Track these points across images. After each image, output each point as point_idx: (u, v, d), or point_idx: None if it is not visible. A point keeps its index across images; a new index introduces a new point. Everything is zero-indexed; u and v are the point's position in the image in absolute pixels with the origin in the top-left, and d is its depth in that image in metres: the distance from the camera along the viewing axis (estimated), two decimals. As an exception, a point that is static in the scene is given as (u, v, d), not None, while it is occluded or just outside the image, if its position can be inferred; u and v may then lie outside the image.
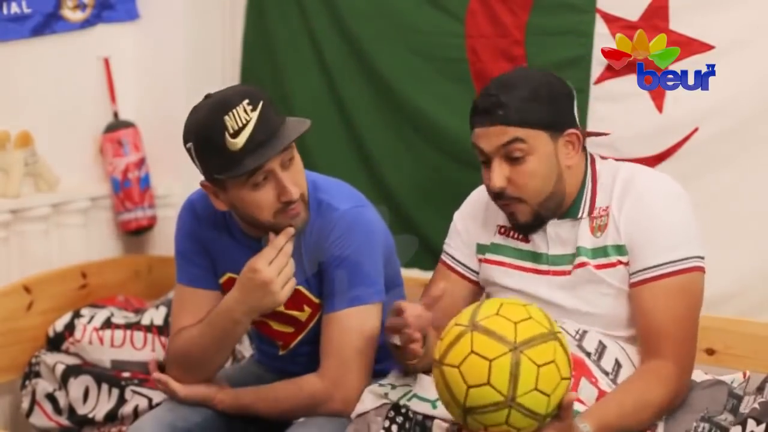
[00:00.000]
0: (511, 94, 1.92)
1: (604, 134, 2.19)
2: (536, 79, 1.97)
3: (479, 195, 2.16)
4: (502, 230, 2.09)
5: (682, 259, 1.91)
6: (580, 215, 1.99)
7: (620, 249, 1.95)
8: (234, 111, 1.92)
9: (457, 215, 2.19)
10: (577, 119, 2.01)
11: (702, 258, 1.93)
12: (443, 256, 2.19)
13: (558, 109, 1.96)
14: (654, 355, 1.88)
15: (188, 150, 1.99)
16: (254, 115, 1.92)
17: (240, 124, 1.91)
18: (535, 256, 2.04)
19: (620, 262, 1.95)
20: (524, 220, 1.99)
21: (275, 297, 2.01)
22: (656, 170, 2.02)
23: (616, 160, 2.09)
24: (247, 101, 1.93)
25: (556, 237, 2.01)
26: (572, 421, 1.67)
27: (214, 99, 1.97)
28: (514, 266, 2.07)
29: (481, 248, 2.12)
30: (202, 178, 2.05)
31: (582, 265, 1.97)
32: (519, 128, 1.91)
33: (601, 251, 1.97)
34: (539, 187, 1.95)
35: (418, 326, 1.82)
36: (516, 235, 2.07)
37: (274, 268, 2.00)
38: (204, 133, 1.94)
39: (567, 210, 2.00)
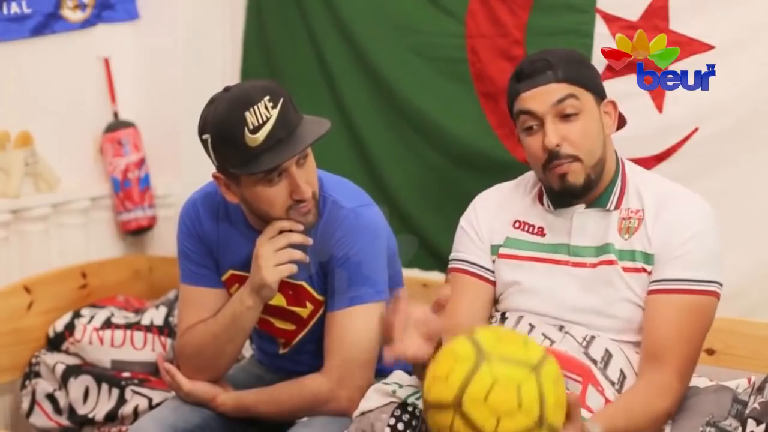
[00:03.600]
0: (557, 56, 1.98)
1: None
2: (572, 50, 2.09)
3: (489, 196, 2.16)
4: (517, 224, 2.09)
5: (705, 281, 1.92)
6: (608, 206, 2.00)
7: (648, 258, 1.96)
8: (255, 107, 1.92)
9: (465, 221, 2.16)
10: None
11: (721, 285, 1.95)
12: (455, 265, 2.15)
13: (597, 76, 2.04)
14: (657, 363, 1.89)
15: (204, 141, 1.99)
16: (275, 113, 1.92)
17: (260, 121, 1.92)
18: (554, 248, 2.03)
19: (644, 270, 1.96)
20: (576, 182, 1.96)
21: (262, 273, 2.01)
22: (689, 190, 2.04)
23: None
24: (268, 98, 1.93)
25: (581, 227, 2.01)
26: (582, 423, 1.66)
27: (234, 93, 1.96)
28: (529, 258, 2.05)
29: (495, 248, 2.11)
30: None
31: (610, 262, 1.97)
32: (570, 85, 1.95)
33: (628, 254, 1.97)
34: (592, 146, 1.97)
35: (426, 334, 1.73)
36: (532, 230, 2.07)
37: (269, 245, 2.00)
38: (223, 126, 1.94)
39: (597, 198, 2.01)
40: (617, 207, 2.00)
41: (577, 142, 1.95)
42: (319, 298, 2.12)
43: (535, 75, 1.96)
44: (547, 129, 1.94)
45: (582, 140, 1.95)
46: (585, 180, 1.97)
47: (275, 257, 2.01)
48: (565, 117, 1.95)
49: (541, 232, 2.05)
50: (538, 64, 1.97)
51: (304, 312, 2.15)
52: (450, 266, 2.16)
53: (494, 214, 2.12)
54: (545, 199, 2.06)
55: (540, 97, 1.95)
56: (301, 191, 1.97)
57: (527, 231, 2.07)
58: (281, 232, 2.02)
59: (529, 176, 2.13)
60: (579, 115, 1.95)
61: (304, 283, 2.11)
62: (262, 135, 1.91)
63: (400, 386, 1.92)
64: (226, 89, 1.99)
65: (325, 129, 1.97)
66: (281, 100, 1.94)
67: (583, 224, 2.01)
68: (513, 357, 1.55)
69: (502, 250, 2.09)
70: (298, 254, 2.03)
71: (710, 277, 1.93)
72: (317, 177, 2.07)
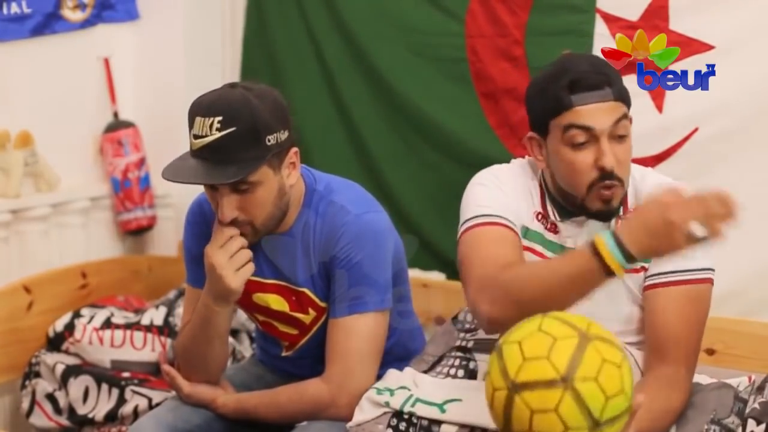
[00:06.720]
0: (612, 70, 1.91)
1: None
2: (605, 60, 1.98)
3: (514, 172, 2.04)
4: (539, 216, 2.00)
5: (698, 269, 1.91)
6: (620, 215, 1.95)
7: None
8: (205, 119, 1.92)
9: (492, 184, 2.00)
10: None
11: (713, 271, 1.93)
12: (490, 219, 1.93)
13: None
14: (665, 359, 1.88)
15: None
16: (215, 135, 1.91)
17: (201, 133, 1.93)
18: (563, 250, 1.98)
19: (643, 268, 1.94)
20: (616, 205, 1.91)
21: (225, 281, 1.99)
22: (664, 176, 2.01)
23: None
24: (220, 118, 1.91)
25: (587, 233, 1.94)
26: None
27: (218, 92, 1.97)
28: (543, 256, 1.98)
29: (523, 231, 1.99)
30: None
31: None
32: (624, 105, 1.89)
33: None
34: (629, 168, 1.92)
35: None
36: (548, 226, 1.99)
37: (222, 252, 1.99)
38: (190, 111, 1.97)
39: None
40: (624, 214, 1.97)
41: (625, 165, 1.89)
42: (322, 304, 2.12)
43: (595, 89, 1.86)
44: (604, 148, 1.85)
45: (628, 164, 1.90)
46: (620, 203, 1.93)
47: (233, 263, 1.99)
48: (616, 138, 1.87)
49: (554, 229, 1.99)
50: (597, 78, 1.86)
51: (306, 318, 2.14)
52: (477, 221, 1.94)
53: (522, 196, 2.01)
54: (549, 206, 1.99)
55: (600, 115, 1.86)
56: (220, 213, 1.97)
57: (545, 226, 2.00)
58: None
59: (530, 172, 2.05)
60: (626, 138, 1.89)
61: (306, 290, 2.11)
62: (197, 144, 1.94)
63: (392, 393, 1.90)
64: (241, 86, 1.99)
65: (239, 177, 1.91)
66: (231, 129, 1.91)
67: (591, 231, 1.94)
68: (607, 336, 1.52)
69: (524, 241, 1.99)
70: (250, 253, 2.02)
71: (704, 264, 1.91)
72: (325, 181, 2.09)
